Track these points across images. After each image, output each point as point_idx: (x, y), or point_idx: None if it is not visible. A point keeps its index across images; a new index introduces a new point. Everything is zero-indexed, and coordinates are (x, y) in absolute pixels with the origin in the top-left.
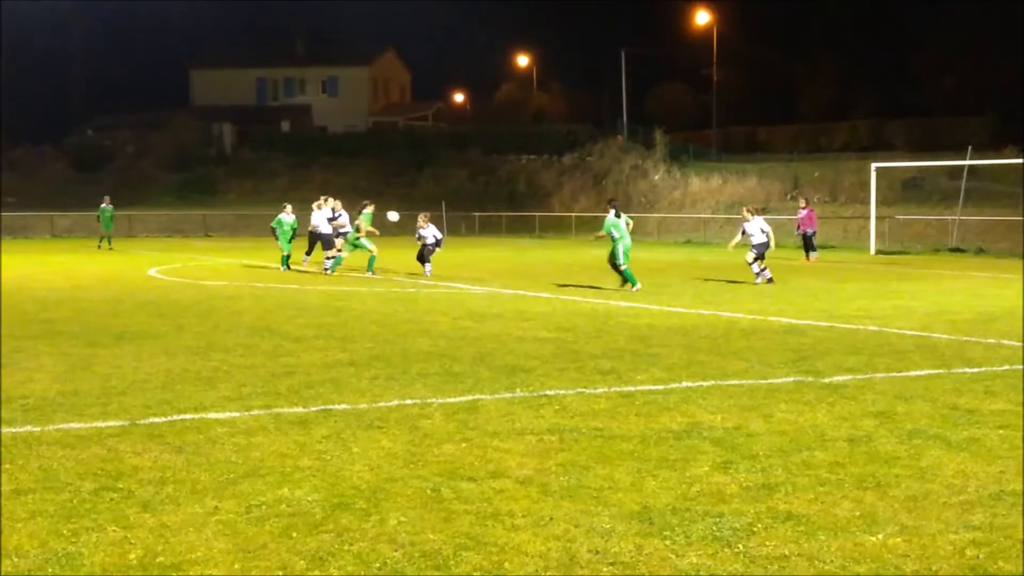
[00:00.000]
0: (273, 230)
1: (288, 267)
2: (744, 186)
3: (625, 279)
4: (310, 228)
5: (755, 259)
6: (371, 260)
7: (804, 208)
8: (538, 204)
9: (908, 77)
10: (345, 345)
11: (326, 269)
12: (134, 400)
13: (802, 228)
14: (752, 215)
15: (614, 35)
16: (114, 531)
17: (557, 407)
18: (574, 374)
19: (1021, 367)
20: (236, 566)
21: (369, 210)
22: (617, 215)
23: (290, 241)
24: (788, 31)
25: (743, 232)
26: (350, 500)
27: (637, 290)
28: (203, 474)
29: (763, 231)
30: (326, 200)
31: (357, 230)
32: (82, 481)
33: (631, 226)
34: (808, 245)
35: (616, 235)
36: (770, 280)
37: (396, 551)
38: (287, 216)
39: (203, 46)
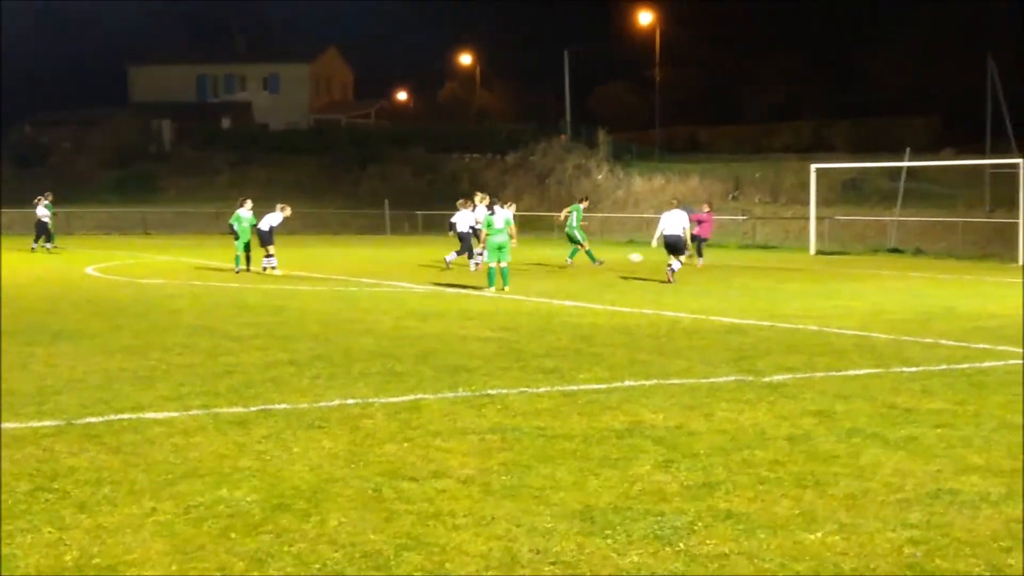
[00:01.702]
0: (231, 227)
1: (248, 268)
2: (686, 186)
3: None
4: (453, 224)
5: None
6: (588, 253)
7: (707, 211)
8: None
9: (855, 79)
10: (286, 344)
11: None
12: (70, 400)
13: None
14: (670, 208)
15: (557, 34)
16: (49, 532)
17: (499, 406)
18: (517, 373)
19: (958, 366)
20: (173, 567)
21: (583, 205)
22: (491, 212)
23: (248, 241)
24: (734, 32)
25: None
26: (290, 501)
27: (491, 293)
28: (140, 475)
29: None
30: (483, 199)
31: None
32: (17, 482)
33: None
34: (698, 249)
35: (487, 232)
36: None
37: (336, 552)
38: (245, 212)
39: (142, 42)
